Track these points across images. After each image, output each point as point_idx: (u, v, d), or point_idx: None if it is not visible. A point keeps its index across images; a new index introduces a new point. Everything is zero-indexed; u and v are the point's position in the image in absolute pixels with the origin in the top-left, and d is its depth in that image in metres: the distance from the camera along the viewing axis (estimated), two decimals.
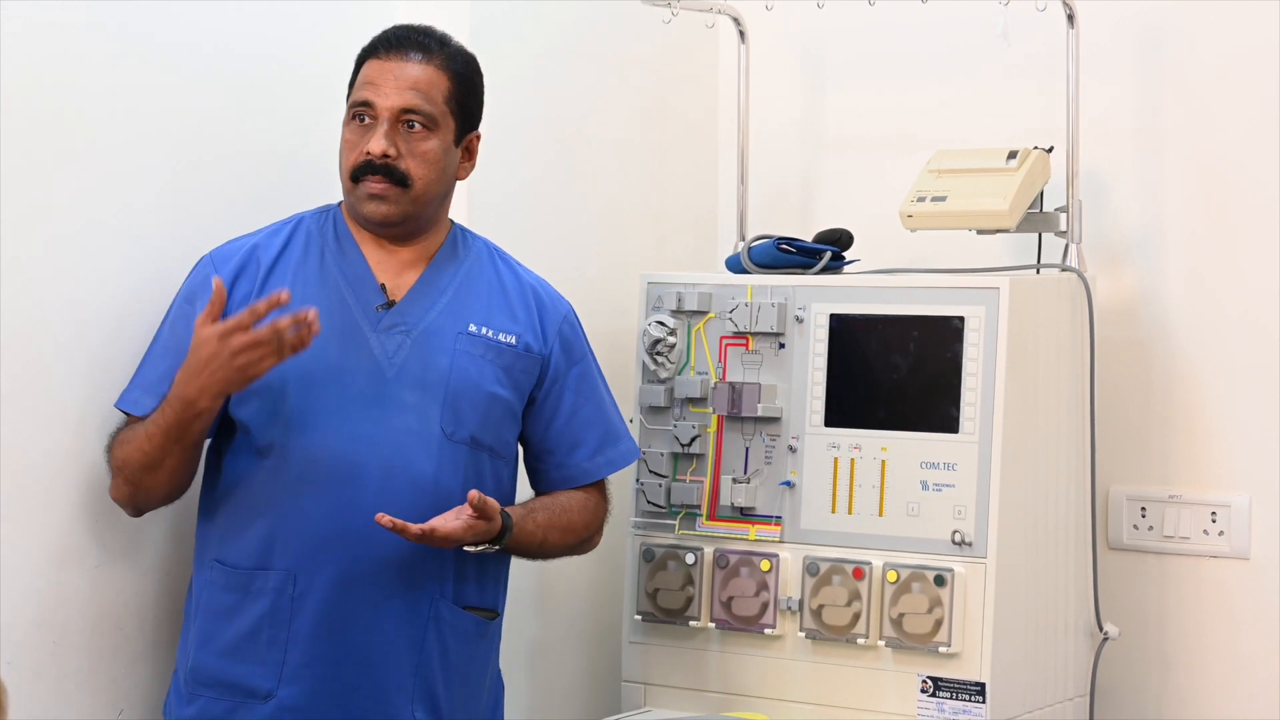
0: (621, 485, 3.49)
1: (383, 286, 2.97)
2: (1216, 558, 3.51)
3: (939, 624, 3.17)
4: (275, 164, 3.26)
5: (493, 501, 2.89)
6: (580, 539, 3.13)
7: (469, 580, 2.99)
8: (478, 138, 3.04)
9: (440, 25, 3.35)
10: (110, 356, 2.97)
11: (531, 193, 3.57)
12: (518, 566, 3.42)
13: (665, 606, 3.40)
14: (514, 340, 3.03)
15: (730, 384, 3.35)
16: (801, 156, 3.87)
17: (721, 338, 3.39)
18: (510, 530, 2.93)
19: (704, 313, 3.40)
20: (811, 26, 3.76)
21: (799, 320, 3.32)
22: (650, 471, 3.42)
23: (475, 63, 3.03)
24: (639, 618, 3.43)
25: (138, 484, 2.88)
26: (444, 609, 2.97)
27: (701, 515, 3.39)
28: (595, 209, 3.70)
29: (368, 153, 2.91)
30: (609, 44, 3.71)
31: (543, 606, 3.60)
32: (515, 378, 3.04)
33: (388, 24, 3.23)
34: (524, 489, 3.17)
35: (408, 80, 2.94)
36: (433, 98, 2.95)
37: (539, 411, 3.08)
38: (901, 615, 3.19)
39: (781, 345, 3.34)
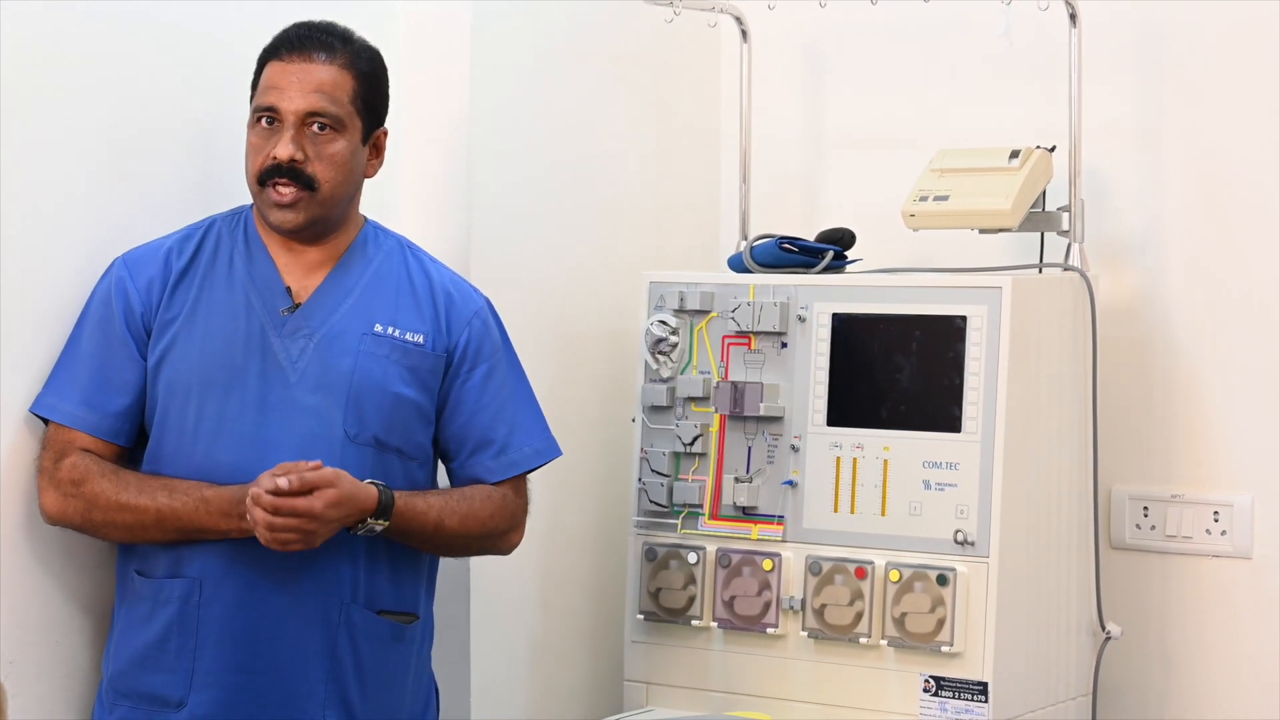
0: (623, 484, 3.54)
1: (289, 289, 2.96)
2: (1219, 557, 3.51)
3: (941, 623, 3.16)
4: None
5: (310, 475, 2.80)
6: (487, 530, 3.05)
7: (382, 584, 2.96)
8: (385, 134, 3.02)
9: (441, 25, 3.48)
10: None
11: (533, 192, 3.58)
12: (521, 565, 3.49)
13: (667, 606, 3.40)
14: (421, 339, 3.01)
15: (732, 383, 3.35)
16: (804, 155, 3.88)
17: (724, 337, 3.39)
18: (392, 503, 2.88)
19: (706, 312, 3.40)
20: (814, 25, 3.75)
21: (801, 320, 3.32)
22: (652, 471, 3.42)
23: (380, 58, 3.01)
24: (641, 617, 3.43)
25: (96, 533, 2.89)
26: (356, 614, 2.94)
27: (704, 514, 3.39)
28: (597, 208, 3.70)
29: (274, 157, 2.89)
30: (610, 43, 3.72)
31: (544, 606, 3.61)
32: (422, 377, 3.01)
33: (386, 23, 3.24)
34: None
35: (312, 83, 2.91)
36: (338, 99, 2.93)
37: (442, 408, 3.05)
38: (904, 615, 3.19)
39: (784, 344, 3.34)
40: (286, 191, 2.90)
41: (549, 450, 3.15)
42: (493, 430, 3.08)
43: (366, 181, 3.17)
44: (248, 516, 2.79)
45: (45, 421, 2.89)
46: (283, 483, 2.76)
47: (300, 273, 2.98)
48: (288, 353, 2.93)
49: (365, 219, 3.05)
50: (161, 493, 2.83)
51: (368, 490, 2.86)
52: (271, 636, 2.89)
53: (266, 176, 2.90)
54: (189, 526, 2.84)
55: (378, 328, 2.98)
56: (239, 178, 3.00)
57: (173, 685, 2.87)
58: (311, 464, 2.81)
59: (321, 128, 2.91)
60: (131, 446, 2.92)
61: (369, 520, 2.86)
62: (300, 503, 2.77)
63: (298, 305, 2.95)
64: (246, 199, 3.02)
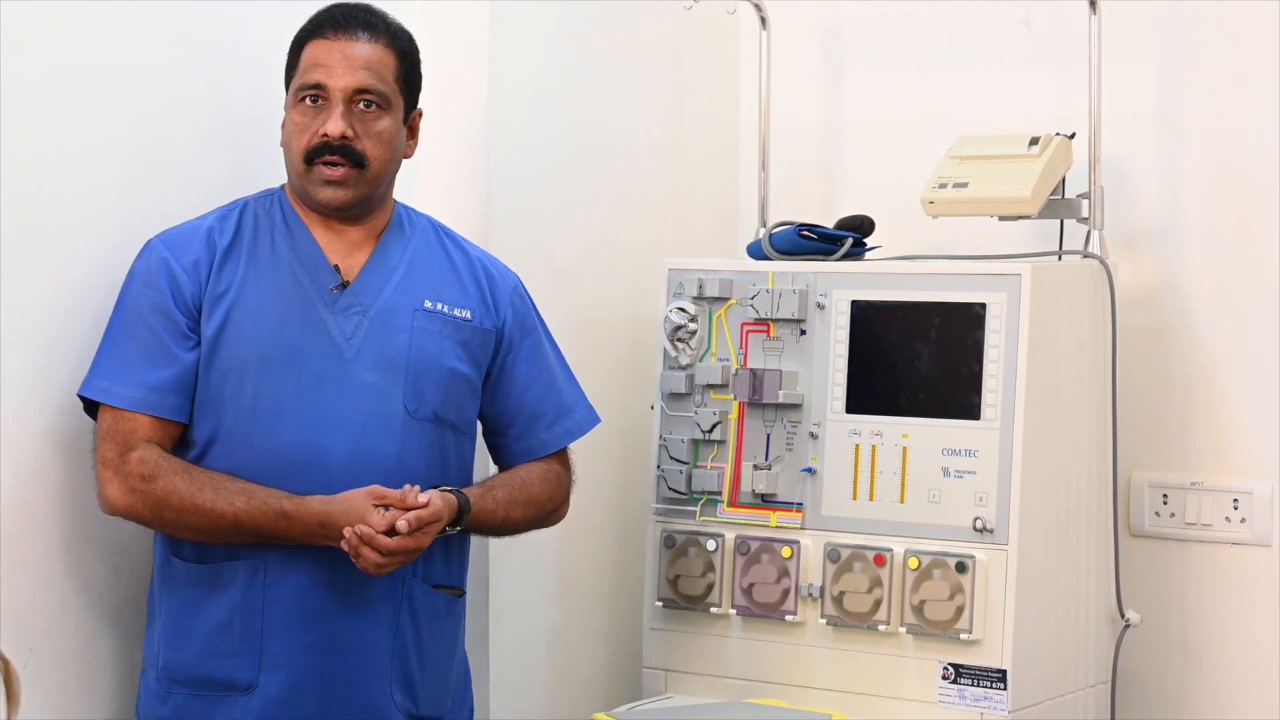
0: (641, 471, 3.57)
1: (336, 268, 2.94)
2: (1238, 544, 3.51)
3: (960, 611, 3.17)
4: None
5: (431, 505, 2.85)
6: (544, 511, 3.10)
7: (436, 558, 2.96)
8: (420, 115, 3.02)
9: (461, 13, 3.48)
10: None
11: (552, 180, 3.59)
12: (540, 551, 3.55)
13: (686, 593, 3.41)
14: (469, 315, 3.01)
15: (751, 370, 3.35)
16: (823, 143, 3.89)
17: (743, 324, 3.40)
18: (468, 510, 2.91)
19: (725, 299, 3.41)
20: (833, 13, 3.79)
21: (820, 307, 3.33)
22: (671, 458, 3.43)
23: (414, 40, 3.01)
24: (660, 604, 3.44)
25: (164, 529, 2.85)
26: (417, 588, 2.95)
27: (722, 502, 3.40)
28: (616, 196, 3.71)
29: (324, 134, 2.87)
30: (629, 31, 3.72)
31: (563, 593, 3.62)
32: (473, 352, 3.01)
33: (404, 10, 3.22)
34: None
35: (359, 60, 2.90)
36: (384, 76, 2.92)
37: (495, 385, 3.06)
38: (923, 602, 3.19)
39: (803, 331, 3.35)
40: (336, 170, 2.89)
41: (592, 417, 3.18)
42: (544, 403, 3.10)
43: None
44: (346, 546, 2.79)
45: (92, 408, 2.87)
46: (402, 526, 2.78)
47: (343, 251, 2.96)
48: (341, 330, 2.91)
49: (395, 200, 3.06)
50: (239, 498, 2.81)
51: (451, 504, 2.89)
52: (339, 614, 2.88)
53: (315, 154, 2.88)
54: (267, 536, 2.83)
55: (427, 304, 2.97)
56: (265, 165, 3.01)
57: (240, 669, 2.85)
58: (414, 494, 2.84)
59: (369, 105, 2.90)
60: (188, 423, 2.89)
61: (446, 529, 2.90)
62: (411, 542, 2.80)
63: (347, 283, 2.94)
64: (270, 185, 3.02)
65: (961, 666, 3.18)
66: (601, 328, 3.65)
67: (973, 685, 3.17)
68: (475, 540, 3.35)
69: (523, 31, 3.50)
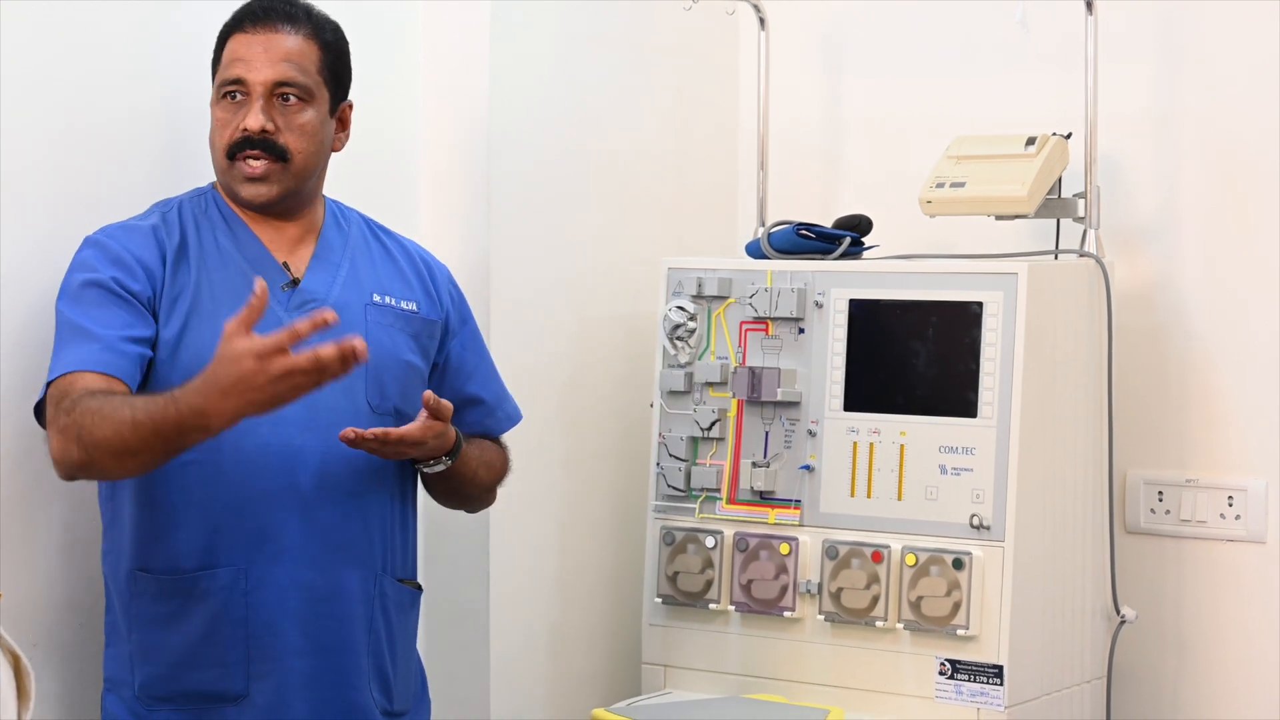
0: (641, 468, 3.56)
1: (284, 265, 2.90)
2: (1233, 541, 3.51)
3: (957, 607, 3.17)
4: None
5: (446, 403, 2.82)
6: (497, 480, 3.07)
7: (398, 552, 2.95)
8: (350, 107, 2.96)
9: (461, 15, 3.48)
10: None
11: (554, 180, 3.58)
12: (540, 548, 3.57)
13: (685, 589, 3.41)
14: (415, 307, 2.99)
15: (750, 369, 3.35)
16: (821, 143, 3.88)
17: (741, 323, 3.39)
18: (461, 445, 2.89)
19: (724, 298, 3.41)
20: (831, 14, 3.80)
21: (818, 305, 3.33)
22: (670, 455, 3.43)
23: (341, 31, 2.94)
24: (659, 600, 3.44)
25: (94, 460, 2.67)
26: (386, 584, 2.94)
27: (721, 499, 3.39)
28: (617, 195, 3.71)
29: (244, 129, 2.81)
30: (630, 32, 3.72)
31: (563, 589, 3.62)
32: (423, 344, 2.99)
33: (406, 12, 3.19)
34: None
35: (279, 52, 2.84)
36: (306, 68, 2.86)
37: (443, 374, 3.04)
38: (920, 598, 3.19)
39: (801, 330, 3.34)
40: (258, 164, 2.83)
41: (517, 411, 3.16)
42: (485, 390, 3.09)
43: (385, 174, 3.17)
44: (248, 383, 2.56)
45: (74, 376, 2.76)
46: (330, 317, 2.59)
47: (286, 248, 2.92)
48: None
49: (325, 196, 3.00)
50: (139, 400, 2.64)
51: (454, 431, 2.90)
52: (320, 615, 2.86)
53: (236, 150, 2.83)
54: (162, 426, 2.62)
55: (376, 297, 2.95)
56: (194, 162, 2.97)
57: (228, 679, 2.81)
58: (429, 393, 2.82)
59: (290, 99, 2.85)
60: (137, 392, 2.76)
61: (444, 457, 2.88)
62: (415, 426, 2.79)
63: (297, 280, 2.90)
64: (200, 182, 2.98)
65: (958, 662, 3.18)
66: (601, 326, 3.65)
67: (969, 681, 3.17)
68: (474, 537, 3.44)
69: (523, 33, 3.50)
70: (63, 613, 2.89)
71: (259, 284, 2.61)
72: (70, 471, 2.71)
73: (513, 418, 3.13)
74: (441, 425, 2.82)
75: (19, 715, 2.33)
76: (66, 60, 2.93)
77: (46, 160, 2.91)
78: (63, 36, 2.92)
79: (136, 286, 2.79)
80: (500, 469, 3.08)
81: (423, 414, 2.82)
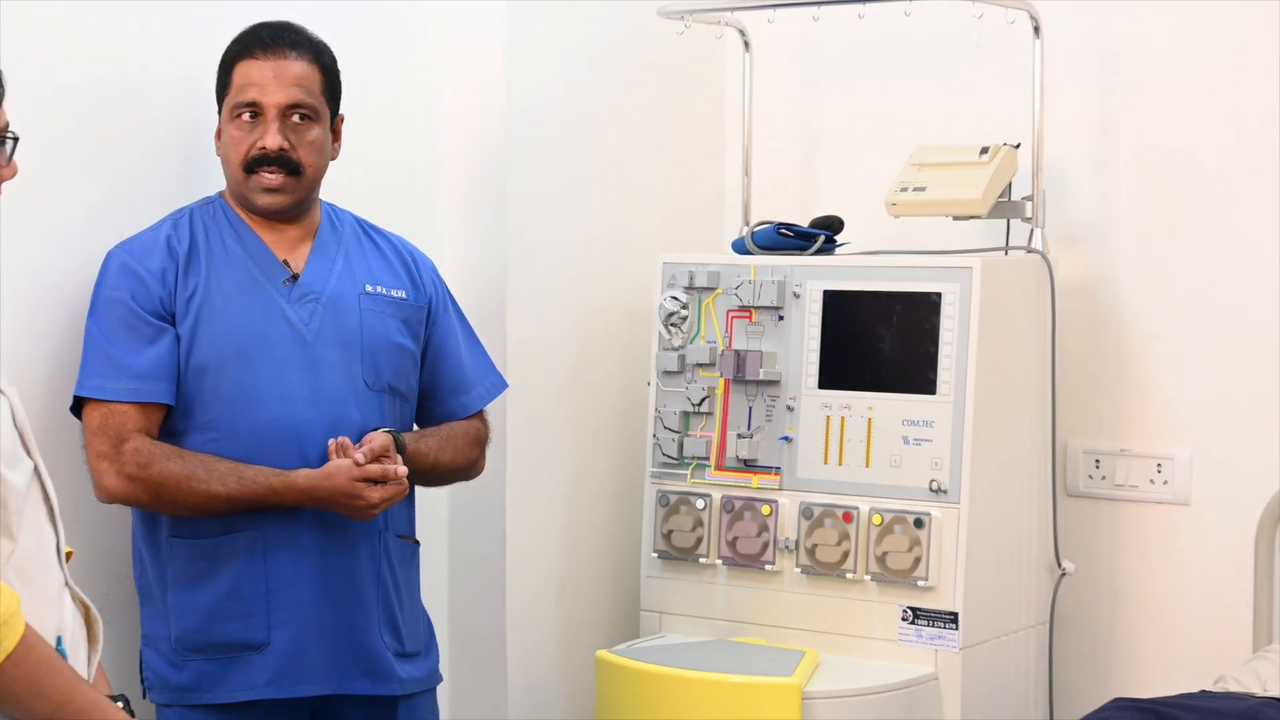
0: (639, 439, 3.55)
1: (285, 262, 2.91)
2: (1161, 504, 3.51)
3: (918, 561, 3.18)
4: None
5: (380, 438, 2.84)
6: (469, 462, 3.06)
7: (397, 512, 2.96)
8: (342, 120, 2.98)
9: (479, 37, 3.46)
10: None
11: (561, 184, 3.57)
12: (550, 509, 3.56)
13: (678, 546, 3.41)
14: (404, 295, 2.99)
15: (735, 351, 3.35)
16: (799, 152, 3.85)
17: (728, 311, 3.39)
18: (405, 447, 2.89)
19: (713, 289, 3.40)
20: (808, 37, 3.71)
21: (796, 296, 3.32)
22: (665, 427, 3.43)
23: (333, 52, 2.96)
24: (655, 555, 3.44)
25: (160, 509, 2.80)
26: (390, 540, 2.95)
27: (710, 466, 3.39)
28: (617, 198, 3.69)
29: (263, 148, 2.84)
30: (629, 53, 3.69)
31: (571, 545, 3.61)
32: (413, 328, 2.99)
33: (428, 33, 3.23)
34: None
35: (290, 78, 2.86)
36: (311, 90, 2.88)
37: (427, 354, 3.04)
38: (885, 554, 3.21)
39: (781, 317, 3.34)
40: (275, 178, 2.86)
41: (501, 382, 3.15)
42: (467, 370, 3.08)
43: (410, 177, 3.25)
44: (348, 504, 2.78)
45: (77, 408, 2.81)
46: (359, 458, 2.78)
47: (287, 247, 2.93)
48: (299, 317, 2.89)
49: (319, 199, 3.01)
50: (231, 478, 2.77)
51: (389, 441, 2.88)
52: (333, 570, 2.88)
53: (255, 165, 2.85)
54: (259, 509, 2.80)
55: (368, 287, 2.96)
56: (201, 174, 2.99)
57: (252, 629, 2.83)
58: (370, 439, 2.82)
59: (301, 118, 2.87)
60: (174, 408, 2.83)
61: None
62: (393, 468, 2.82)
63: (297, 275, 2.91)
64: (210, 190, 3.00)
65: (918, 609, 3.19)
66: (604, 313, 3.64)
67: (928, 626, 3.18)
68: (492, 500, 3.44)
69: (536, 55, 3.49)
70: (129, 565, 2.91)
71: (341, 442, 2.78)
72: (118, 502, 2.81)
73: (494, 389, 3.11)
74: (378, 468, 2.82)
75: (89, 658, 2.29)
76: (91, 71, 2.91)
77: (75, 166, 2.90)
78: (82, 48, 2.90)
79: (155, 301, 2.82)
80: (468, 451, 3.05)
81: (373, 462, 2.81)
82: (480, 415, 3.11)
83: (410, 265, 3.05)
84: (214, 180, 2.98)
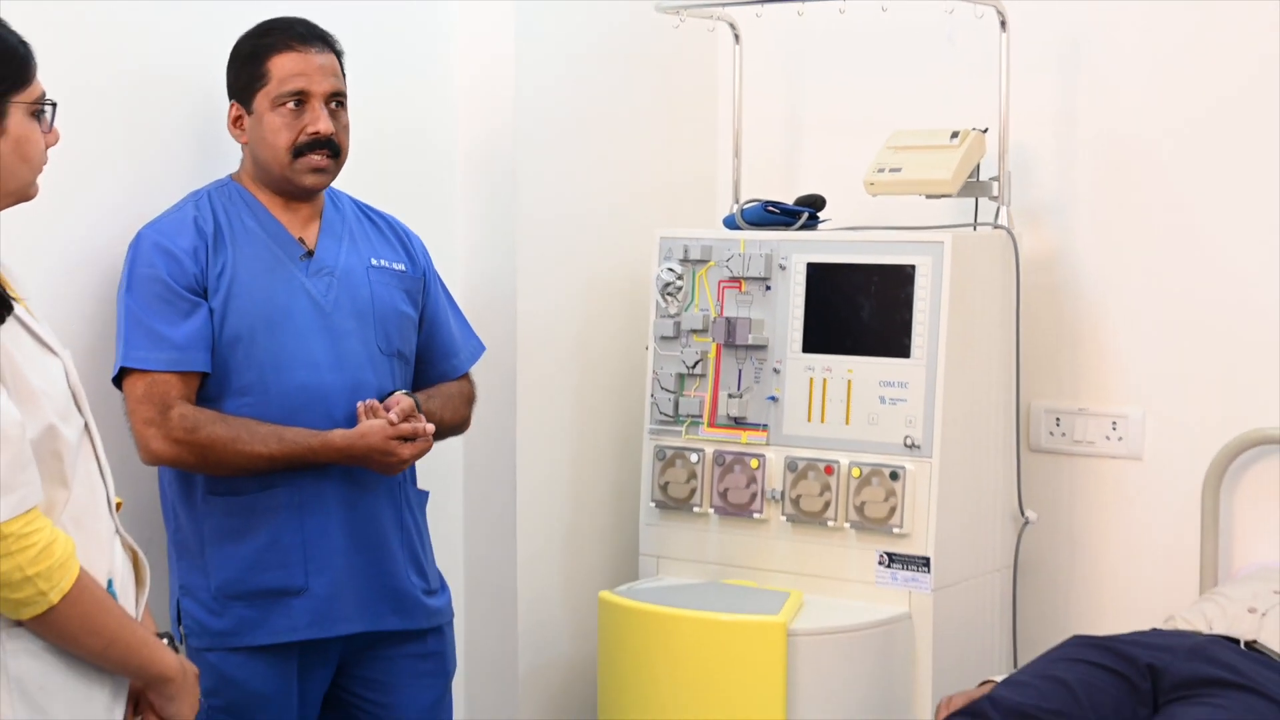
0: (638, 399, 3.61)
1: (300, 239, 2.96)
2: (1115, 459, 3.56)
3: (893, 510, 3.23)
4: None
5: (407, 401, 2.92)
6: (464, 418, 3.13)
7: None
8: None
9: (490, 31, 3.52)
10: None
11: (566, 166, 3.61)
12: (556, 463, 3.63)
13: (674, 496, 3.47)
14: (403, 267, 3.05)
15: (727, 318, 3.40)
16: (785, 135, 3.89)
17: (719, 281, 3.44)
18: (421, 407, 2.96)
19: (706, 261, 3.45)
20: (794, 30, 3.79)
21: (782, 268, 3.37)
22: (662, 388, 3.49)
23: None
24: (653, 505, 3.50)
25: (207, 470, 2.84)
26: (409, 489, 3.04)
27: (703, 423, 3.43)
28: (618, 178, 3.74)
29: (315, 132, 2.89)
30: (629, 45, 3.73)
31: (576, 495, 3.68)
32: (414, 297, 3.06)
33: (444, 28, 3.32)
34: None
35: (330, 68, 2.92)
36: (341, 79, 2.96)
37: (425, 323, 3.10)
38: (863, 503, 3.26)
39: (768, 287, 3.39)
40: (322, 159, 2.91)
41: (481, 345, 3.21)
42: (455, 335, 3.15)
43: (427, 159, 3.32)
44: (382, 461, 2.83)
45: (118, 380, 2.84)
46: (392, 418, 2.84)
47: (299, 226, 2.97)
48: (317, 289, 2.94)
49: None
50: (273, 440, 2.83)
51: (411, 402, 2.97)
52: (363, 520, 2.95)
53: (305, 149, 2.89)
54: (296, 467, 2.86)
55: (374, 261, 3.02)
56: (220, 156, 3.01)
57: (291, 577, 2.89)
58: (397, 399, 2.89)
59: (338, 105, 2.94)
60: (210, 375, 2.88)
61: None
62: (421, 425, 2.90)
63: (311, 251, 2.96)
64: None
65: (894, 554, 3.24)
66: (606, 284, 3.70)
67: (903, 569, 3.23)
68: (503, 455, 3.52)
69: (542, 46, 3.53)
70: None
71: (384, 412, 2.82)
72: (164, 464, 2.85)
73: (477, 352, 3.17)
74: (409, 426, 2.88)
75: (137, 599, 2.34)
76: (120, 66, 2.92)
77: (103, 153, 2.91)
78: (116, 42, 2.91)
79: (190, 277, 2.86)
80: (464, 407, 3.11)
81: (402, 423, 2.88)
82: (467, 376, 3.18)
83: (405, 240, 3.11)
84: (226, 164, 3.02)
